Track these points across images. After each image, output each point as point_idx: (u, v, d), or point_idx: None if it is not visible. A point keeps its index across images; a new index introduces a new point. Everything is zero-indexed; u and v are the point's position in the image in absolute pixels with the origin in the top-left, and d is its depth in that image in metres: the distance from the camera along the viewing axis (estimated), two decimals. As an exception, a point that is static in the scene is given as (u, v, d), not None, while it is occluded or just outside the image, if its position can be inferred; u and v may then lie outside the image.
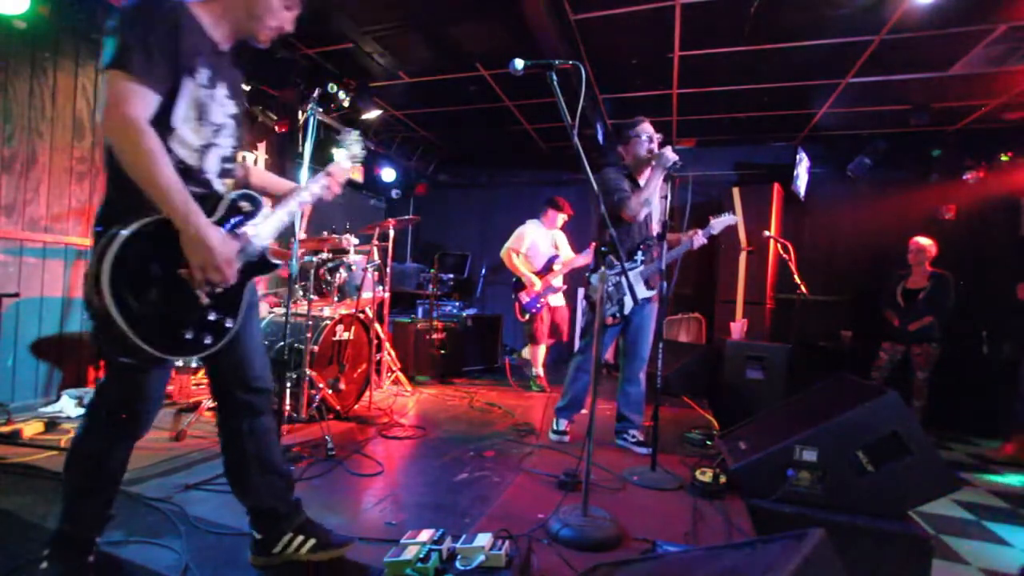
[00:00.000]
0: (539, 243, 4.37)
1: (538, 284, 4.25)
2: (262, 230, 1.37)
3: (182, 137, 1.26)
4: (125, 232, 1.11)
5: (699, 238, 2.78)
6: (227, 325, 1.31)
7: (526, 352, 4.72)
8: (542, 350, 4.46)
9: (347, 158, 1.68)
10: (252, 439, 1.45)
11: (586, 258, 4.07)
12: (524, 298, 4.28)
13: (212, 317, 1.27)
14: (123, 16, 1.17)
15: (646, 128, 2.78)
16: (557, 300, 4.41)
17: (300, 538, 1.51)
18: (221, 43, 1.36)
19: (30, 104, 2.94)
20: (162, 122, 1.20)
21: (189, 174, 1.26)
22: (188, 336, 1.21)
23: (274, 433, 1.53)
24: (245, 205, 1.35)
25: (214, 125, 1.33)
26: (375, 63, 4.16)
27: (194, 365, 3.36)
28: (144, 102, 1.15)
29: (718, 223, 2.87)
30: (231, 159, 1.43)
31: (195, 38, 1.26)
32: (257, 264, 1.38)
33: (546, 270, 4.32)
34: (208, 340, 1.26)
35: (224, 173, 1.41)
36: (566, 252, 4.49)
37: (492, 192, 6.77)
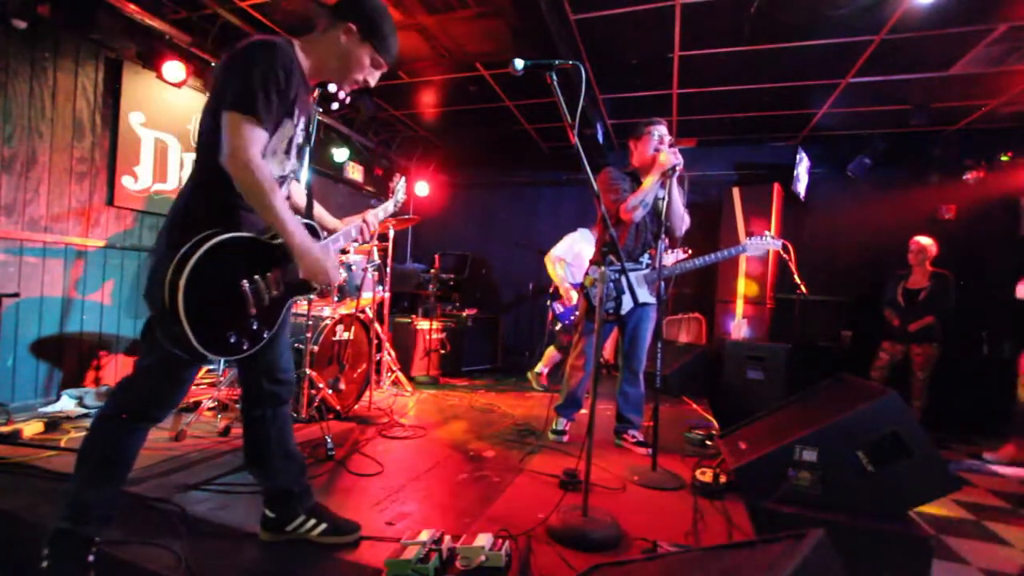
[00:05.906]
0: (585, 254, 4.21)
1: (574, 297, 4.13)
2: None
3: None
4: (207, 245, 1.25)
5: (717, 255, 2.68)
6: (264, 335, 1.42)
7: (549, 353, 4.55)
8: (557, 356, 4.43)
9: (392, 204, 2.02)
10: (275, 425, 1.58)
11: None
12: (558, 308, 4.24)
13: (254, 326, 1.38)
14: (248, 55, 1.28)
15: (659, 129, 2.69)
16: None
17: (312, 521, 1.61)
18: (310, 80, 1.48)
19: (30, 104, 2.94)
20: None
21: None
22: (232, 340, 1.33)
23: (291, 422, 1.66)
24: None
25: (290, 157, 1.47)
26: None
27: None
28: (261, 143, 1.30)
29: (755, 244, 2.67)
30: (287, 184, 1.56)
31: (297, 80, 1.37)
32: (300, 285, 1.51)
33: None
34: (245, 346, 1.37)
35: (289, 198, 1.55)
36: None
37: (492, 192, 6.76)
